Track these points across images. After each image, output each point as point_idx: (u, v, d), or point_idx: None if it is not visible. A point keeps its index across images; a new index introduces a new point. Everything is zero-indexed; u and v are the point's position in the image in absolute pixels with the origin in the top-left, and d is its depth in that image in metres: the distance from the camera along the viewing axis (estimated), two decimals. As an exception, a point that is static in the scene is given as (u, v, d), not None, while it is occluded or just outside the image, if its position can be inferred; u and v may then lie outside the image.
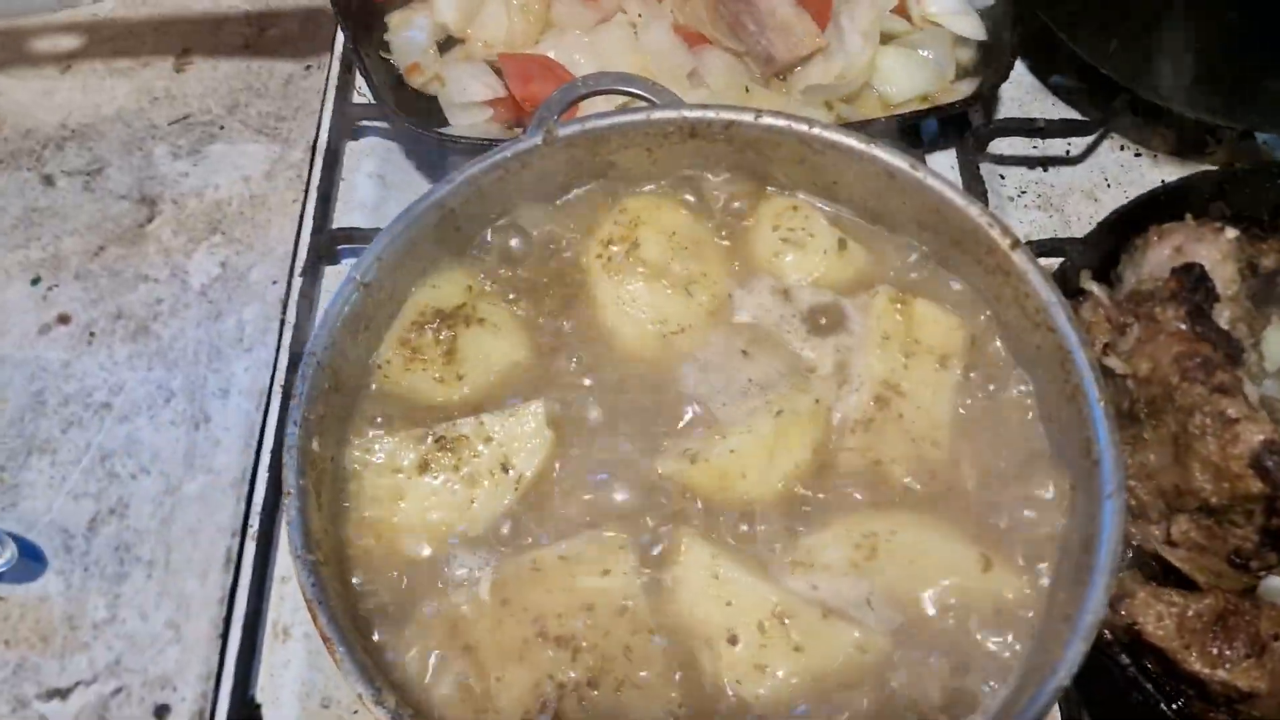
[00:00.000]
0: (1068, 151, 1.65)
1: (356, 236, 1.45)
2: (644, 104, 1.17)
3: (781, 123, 1.09)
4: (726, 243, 1.14)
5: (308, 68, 1.81)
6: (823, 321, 1.09)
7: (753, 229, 1.14)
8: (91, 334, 1.54)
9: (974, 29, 1.53)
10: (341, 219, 1.52)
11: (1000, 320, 1.07)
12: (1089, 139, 1.65)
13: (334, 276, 1.50)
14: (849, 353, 1.07)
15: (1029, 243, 1.21)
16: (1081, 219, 1.57)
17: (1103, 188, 1.62)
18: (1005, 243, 1.03)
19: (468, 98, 1.42)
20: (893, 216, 1.12)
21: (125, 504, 1.39)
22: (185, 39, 1.85)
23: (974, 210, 1.05)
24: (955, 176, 1.56)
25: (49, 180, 1.69)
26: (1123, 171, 1.63)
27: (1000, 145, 1.62)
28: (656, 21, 1.46)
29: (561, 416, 1.01)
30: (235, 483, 1.40)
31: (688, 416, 1.03)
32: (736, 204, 1.15)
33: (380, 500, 0.96)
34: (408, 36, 1.52)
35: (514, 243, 1.11)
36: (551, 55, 1.45)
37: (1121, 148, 1.65)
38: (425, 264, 1.06)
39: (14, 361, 1.50)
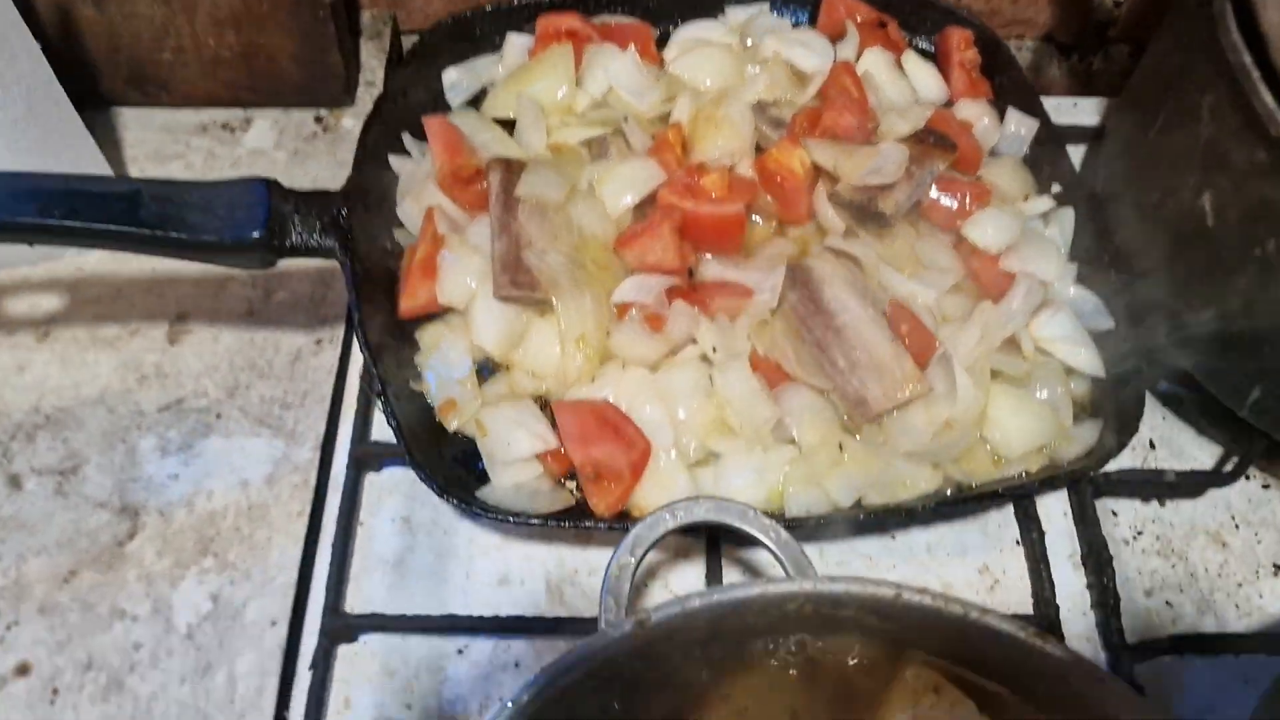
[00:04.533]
0: (1188, 481, 1.46)
1: (376, 624, 1.22)
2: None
3: (928, 602, 0.88)
4: (850, 730, 0.92)
5: (318, 341, 1.60)
6: None
7: (882, 707, 0.93)
8: (55, 690, 1.30)
9: (1092, 364, 1.32)
10: (359, 578, 1.30)
11: None
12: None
13: (347, 659, 1.26)
14: None
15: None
16: (1209, 570, 1.37)
17: (1230, 528, 1.41)
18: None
19: (513, 455, 1.20)
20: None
21: None
22: (181, 302, 1.64)
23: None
24: (1068, 519, 1.37)
25: (15, 481, 1.46)
26: (1251, 508, 1.43)
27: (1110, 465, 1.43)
28: (734, 363, 1.24)
29: None
30: None
31: None
32: (861, 680, 0.93)
33: None
34: (441, 360, 1.29)
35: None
36: (610, 398, 1.24)
37: (1247, 477, 1.45)
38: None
39: (-40, 733, 1.26)
